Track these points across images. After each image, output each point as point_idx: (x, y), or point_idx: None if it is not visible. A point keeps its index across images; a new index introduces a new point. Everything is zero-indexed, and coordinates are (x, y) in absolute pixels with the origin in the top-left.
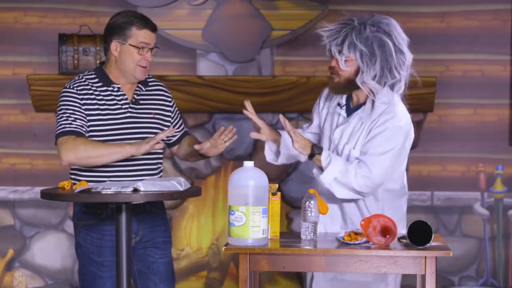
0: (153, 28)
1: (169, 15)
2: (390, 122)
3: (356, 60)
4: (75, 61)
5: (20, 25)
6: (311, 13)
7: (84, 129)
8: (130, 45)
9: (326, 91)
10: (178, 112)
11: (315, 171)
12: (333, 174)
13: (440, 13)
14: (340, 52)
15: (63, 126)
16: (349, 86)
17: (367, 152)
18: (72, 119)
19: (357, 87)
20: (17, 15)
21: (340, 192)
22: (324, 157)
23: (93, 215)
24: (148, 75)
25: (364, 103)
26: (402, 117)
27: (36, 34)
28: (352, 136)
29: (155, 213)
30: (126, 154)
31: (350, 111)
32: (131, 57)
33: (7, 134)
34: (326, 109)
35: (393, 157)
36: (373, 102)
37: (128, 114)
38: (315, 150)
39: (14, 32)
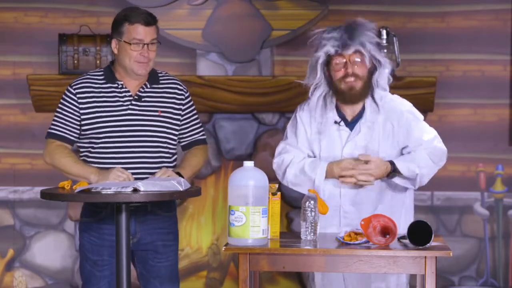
0: (146, 22)
1: (169, 15)
2: (407, 113)
3: (374, 56)
4: (75, 61)
5: (20, 25)
6: (311, 13)
7: (71, 134)
8: (124, 41)
9: (305, 116)
10: (192, 114)
11: (397, 180)
12: (421, 177)
13: (440, 13)
14: (365, 47)
15: (53, 128)
16: (366, 90)
17: (425, 144)
18: (63, 123)
19: (368, 93)
20: (17, 15)
21: (427, 180)
22: (405, 171)
23: (93, 213)
24: (161, 71)
25: (361, 112)
26: (403, 100)
27: (36, 34)
28: (372, 143)
29: (158, 215)
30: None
31: (351, 125)
32: (127, 53)
33: (7, 134)
34: (315, 134)
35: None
36: (372, 99)
37: (128, 111)
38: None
39: (14, 32)
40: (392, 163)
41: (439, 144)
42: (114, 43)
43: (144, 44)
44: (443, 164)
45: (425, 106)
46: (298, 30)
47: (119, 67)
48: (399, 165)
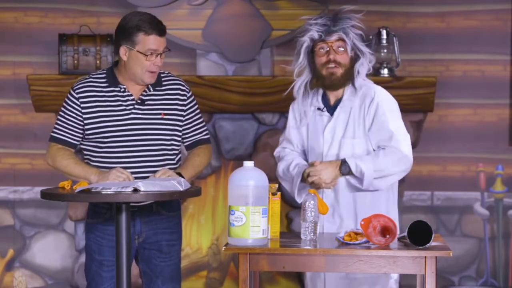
0: (161, 32)
1: (169, 15)
2: (379, 100)
3: (356, 46)
4: (75, 61)
5: (20, 25)
6: (311, 13)
7: (73, 138)
8: (138, 51)
9: (296, 106)
10: (195, 114)
11: (350, 179)
12: (371, 178)
13: (440, 13)
14: (347, 36)
15: (55, 131)
16: (347, 77)
17: (382, 137)
18: (65, 127)
19: (348, 80)
20: (17, 15)
21: (384, 184)
22: (354, 169)
23: (98, 214)
24: (164, 71)
25: (342, 98)
26: (382, 90)
27: (36, 34)
28: (349, 127)
29: (162, 214)
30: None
31: (333, 109)
32: (140, 63)
33: (7, 134)
34: (303, 121)
35: (403, 126)
36: (352, 86)
37: (131, 116)
38: (342, 169)
39: (14, 32)
40: (344, 160)
41: (405, 146)
42: (123, 50)
43: (158, 54)
44: (404, 169)
45: (425, 106)
46: (298, 30)
47: (126, 72)
48: (349, 161)
